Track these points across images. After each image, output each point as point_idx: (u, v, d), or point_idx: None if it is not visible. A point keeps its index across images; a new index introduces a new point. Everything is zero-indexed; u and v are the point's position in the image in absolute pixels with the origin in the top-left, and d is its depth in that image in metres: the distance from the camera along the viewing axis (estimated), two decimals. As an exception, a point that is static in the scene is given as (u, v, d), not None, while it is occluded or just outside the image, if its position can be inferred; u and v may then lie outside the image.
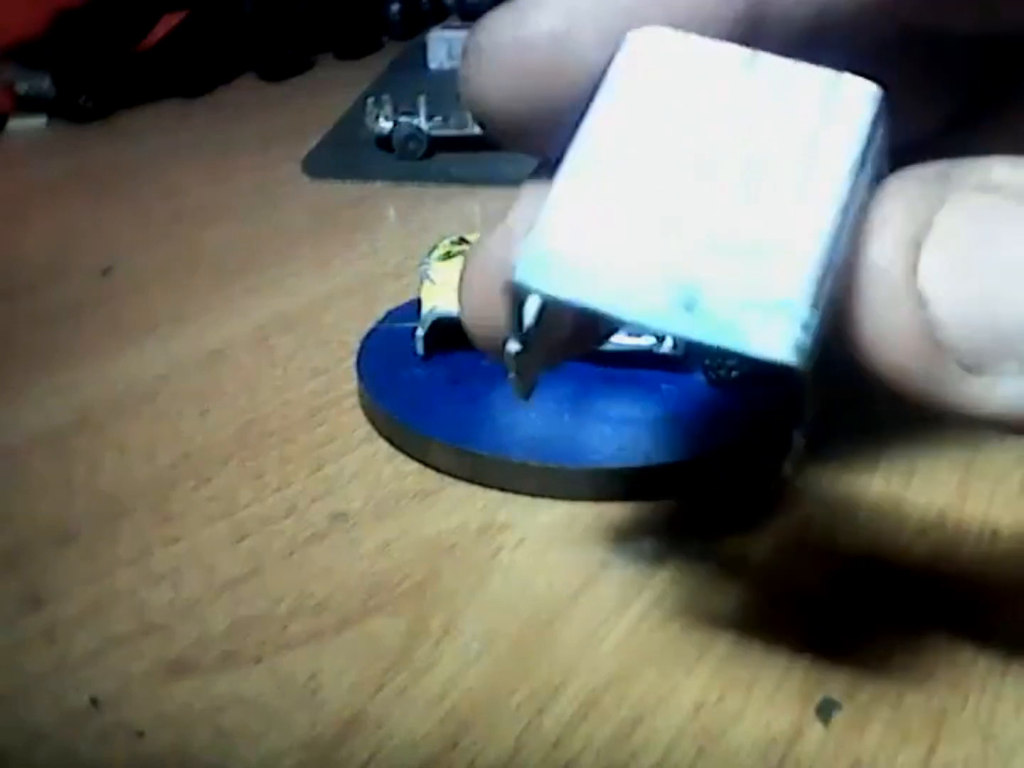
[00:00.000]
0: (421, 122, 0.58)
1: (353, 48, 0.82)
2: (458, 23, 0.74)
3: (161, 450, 0.33)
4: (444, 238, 0.37)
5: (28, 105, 0.69)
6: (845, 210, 0.15)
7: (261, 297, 0.44)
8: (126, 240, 0.51)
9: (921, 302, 0.15)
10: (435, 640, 0.26)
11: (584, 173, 0.16)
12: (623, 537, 0.29)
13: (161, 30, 0.73)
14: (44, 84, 0.68)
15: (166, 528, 0.30)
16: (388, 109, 0.59)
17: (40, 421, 0.35)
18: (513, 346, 0.17)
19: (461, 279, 0.19)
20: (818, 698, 0.24)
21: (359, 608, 0.27)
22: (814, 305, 0.14)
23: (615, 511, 0.30)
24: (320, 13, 0.81)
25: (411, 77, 0.67)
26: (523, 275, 0.15)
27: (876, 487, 0.30)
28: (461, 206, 0.54)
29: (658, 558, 0.28)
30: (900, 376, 0.15)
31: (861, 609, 0.26)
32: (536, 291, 0.15)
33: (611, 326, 0.23)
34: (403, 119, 0.58)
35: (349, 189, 0.56)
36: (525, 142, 0.19)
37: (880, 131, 0.16)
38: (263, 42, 0.77)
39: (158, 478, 0.32)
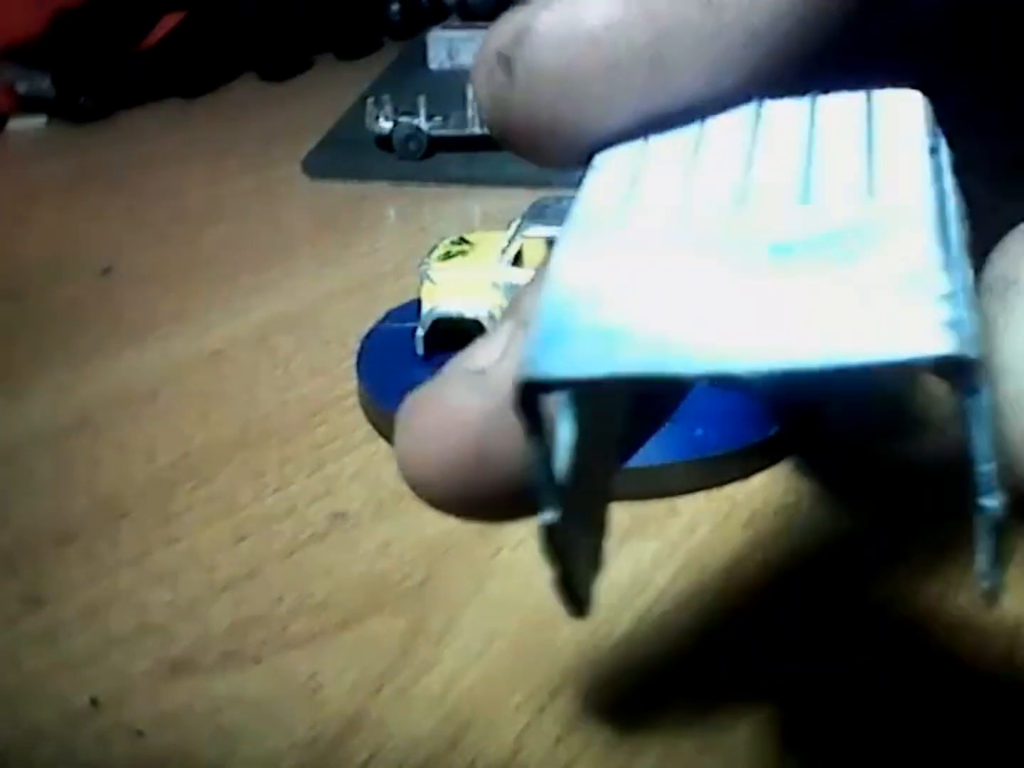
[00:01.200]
0: (421, 122, 0.58)
1: (353, 48, 0.82)
2: (458, 23, 0.74)
3: (161, 450, 0.33)
4: (444, 238, 0.37)
5: (28, 105, 0.69)
6: (938, 190, 0.12)
7: (261, 297, 0.44)
8: (126, 240, 0.51)
9: None
10: (435, 640, 0.26)
11: (593, 227, 0.13)
12: (623, 537, 0.29)
13: (161, 30, 0.73)
14: (44, 84, 0.68)
15: (166, 528, 0.30)
16: (388, 109, 0.59)
17: (40, 421, 0.35)
18: (548, 514, 0.12)
19: (401, 443, 0.14)
20: (818, 698, 0.24)
21: (359, 608, 0.27)
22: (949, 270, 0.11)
23: (615, 511, 0.30)
24: (320, 13, 0.80)
25: (411, 77, 0.67)
26: (564, 367, 0.11)
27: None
28: (461, 206, 0.54)
29: (658, 558, 0.28)
30: None
31: (860, 610, 0.26)
32: (599, 377, 0.10)
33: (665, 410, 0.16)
34: (403, 119, 0.58)
35: (349, 189, 0.56)
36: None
37: (940, 139, 0.13)
38: (263, 42, 0.77)
39: (158, 478, 0.32)
